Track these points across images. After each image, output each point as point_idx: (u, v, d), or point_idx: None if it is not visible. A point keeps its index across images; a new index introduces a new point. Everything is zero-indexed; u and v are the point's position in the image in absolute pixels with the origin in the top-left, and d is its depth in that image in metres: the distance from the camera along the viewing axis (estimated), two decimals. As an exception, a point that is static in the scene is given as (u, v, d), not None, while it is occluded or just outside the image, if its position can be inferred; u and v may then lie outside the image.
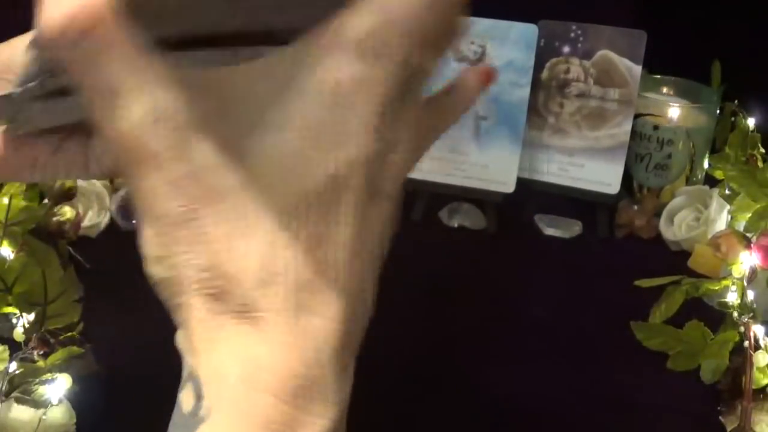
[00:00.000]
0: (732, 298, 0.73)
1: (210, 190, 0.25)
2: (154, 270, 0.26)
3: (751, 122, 1.00)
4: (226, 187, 0.25)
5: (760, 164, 0.95)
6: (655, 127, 0.94)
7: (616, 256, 0.92)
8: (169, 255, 0.26)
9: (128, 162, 0.25)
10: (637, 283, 0.80)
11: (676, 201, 0.92)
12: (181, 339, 0.27)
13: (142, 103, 0.24)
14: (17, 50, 0.30)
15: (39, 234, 0.79)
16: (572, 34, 0.95)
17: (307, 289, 0.26)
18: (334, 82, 0.25)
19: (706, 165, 0.97)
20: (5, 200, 0.74)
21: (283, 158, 0.25)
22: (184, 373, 0.27)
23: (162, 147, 0.24)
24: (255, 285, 0.25)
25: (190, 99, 0.25)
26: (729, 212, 0.87)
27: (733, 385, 0.70)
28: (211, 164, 0.25)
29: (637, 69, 0.92)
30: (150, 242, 0.26)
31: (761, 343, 0.69)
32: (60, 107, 0.28)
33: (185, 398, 0.26)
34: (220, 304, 0.25)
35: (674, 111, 0.95)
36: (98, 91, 0.24)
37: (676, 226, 0.91)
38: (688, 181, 0.96)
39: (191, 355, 0.26)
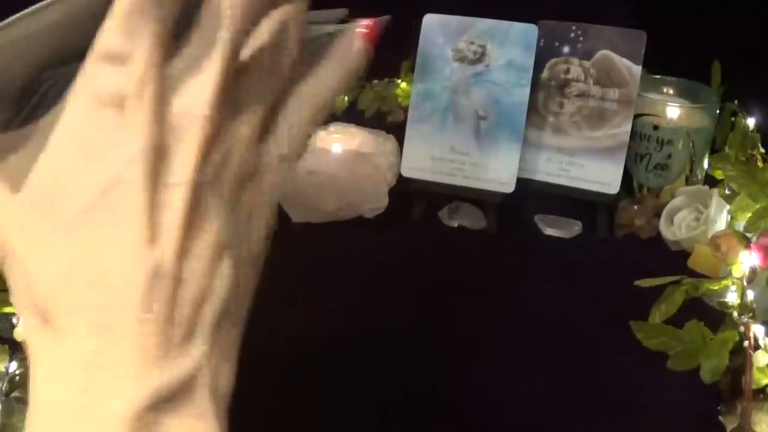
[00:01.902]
0: (732, 298, 0.73)
1: (19, 225, 0.29)
2: (18, 313, 0.33)
3: (751, 122, 1.00)
4: (28, 218, 0.29)
5: (760, 164, 0.95)
6: (655, 127, 0.94)
7: (616, 256, 0.92)
8: (11, 290, 0.30)
9: None
10: (637, 283, 0.80)
11: (676, 201, 0.92)
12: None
13: None
14: None
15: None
16: (572, 34, 0.95)
17: (96, 288, 0.28)
18: (91, 98, 0.28)
19: (706, 165, 0.97)
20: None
21: (59, 177, 0.28)
22: None
23: None
24: (51, 292, 0.28)
25: (8, 155, 0.30)
26: (729, 212, 0.87)
27: (733, 385, 0.70)
28: (16, 202, 0.29)
29: (637, 69, 0.92)
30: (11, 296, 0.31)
31: (761, 343, 0.69)
32: None
33: None
34: (35, 318, 0.29)
35: (674, 111, 0.95)
36: None
37: (676, 226, 0.91)
38: (688, 181, 0.96)
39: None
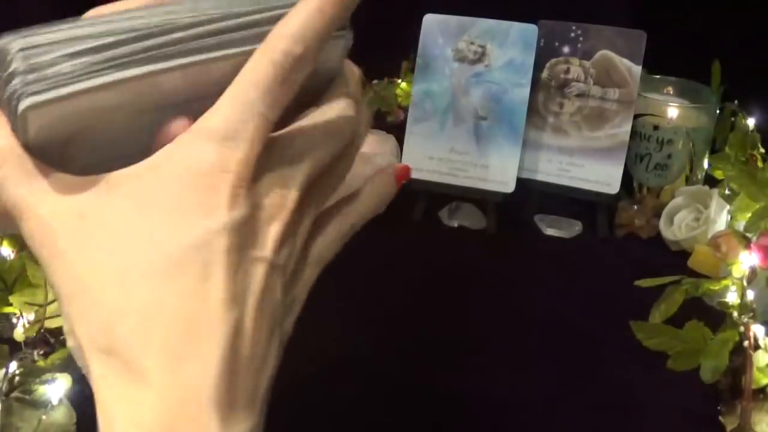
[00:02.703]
0: (732, 298, 0.73)
1: (96, 267, 0.30)
2: (69, 343, 0.32)
3: (751, 122, 1.00)
4: (109, 262, 0.30)
5: (760, 164, 0.95)
6: (655, 127, 0.94)
7: (616, 256, 0.92)
8: (71, 328, 0.31)
9: (39, 254, 0.32)
10: (637, 283, 0.80)
11: (676, 201, 0.92)
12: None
13: (34, 215, 0.31)
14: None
15: (39, 234, 0.78)
16: (572, 34, 0.95)
17: (181, 339, 0.29)
18: (195, 166, 0.31)
19: (706, 165, 0.97)
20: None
21: (153, 231, 0.30)
22: None
23: (57, 238, 0.31)
24: (133, 338, 0.29)
25: (83, 197, 0.31)
26: (729, 212, 0.87)
27: (733, 385, 0.70)
28: (95, 245, 0.30)
29: (637, 69, 0.92)
30: (64, 321, 0.31)
31: (761, 343, 0.69)
32: None
33: None
34: (108, 358, 0.30)
35: (674, 111, 0.95)
36: (12, 206, 0.32)
37: (676, 226, 0.91)
38: (688, 181, 0.96)
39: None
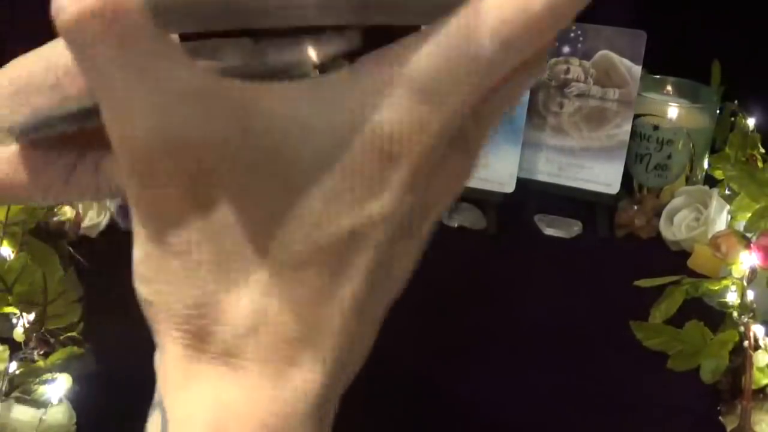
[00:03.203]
0: (732, 298, 0.73)
1: (214, 226, 0.23)
2: (140, 289, 0.25)
3: (751, 122, 1.00)
4: (232, 226, 0.23)
5: (760, 164, 0.95)
6: (655, 127, 0.94)
7: (616, 256, 0.92)
8: (157, 281, 0.24)
9: (135, 179, 0.23)
10: (637, 283, 0.80)
11: (676, 201, 0.92)
12: (158, 361, 0.26)
13: (158, 122, 0.22)
14: (35, 65, 0.29)
15: (39, 234, 0.79)
16: (572, 34, 0.95)
17: (295, 343, 0.24)
18: (381, 125, 0.23)
19: (706, 165, 0.97)
20: (5, 200, 0.74)
21: (304, 204, 0.23)
22: (155, 397, 0.26)
23: (170, 171, 0.23)
24: (241, 332, 0.24)
25: (214, 116, 0.22)
26: (729, 212, 0.87)
27: (733, 385, 0.70)
28: (220, 199, 0.23)
29: (637, 69, 0.92)
30: (142, 261, 0.25)
31: (761, 343, 0.69)
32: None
33: (152, 429, 0.25)
34: (201, 344, 0.24)
35: (674, 111, 0.95)
36: (114, 99, 0.22)
37: (676, 226, 0.91)
38: (688, 181, 0.96)
39: (163, 385, 0.25)
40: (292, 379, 0.24)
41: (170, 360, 0.25)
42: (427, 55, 0.22)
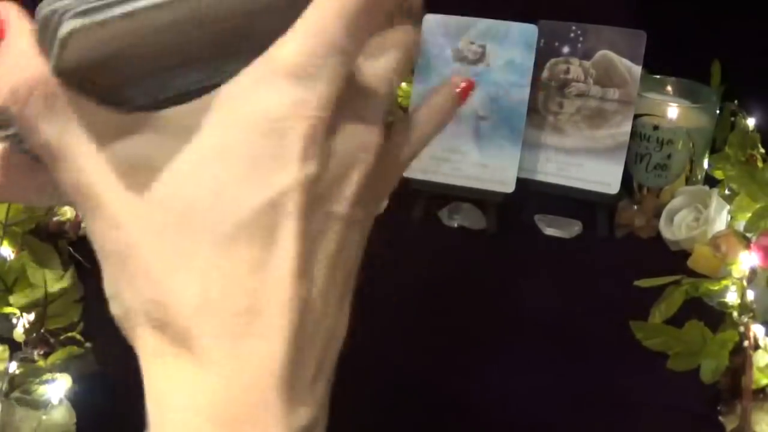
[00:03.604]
0: (732, 298, 0.73)
1: (148, 227, 0.26)
2: (112, 308, 0.28)
3: (751, 122, 1.00)
4: (164, 223, 0.26)
5: (760, 164, 0.95)
6: (655, 127, 0.94)
7: (616, 256, 0.92)
8: (118, 292, 0.27)
9: (80, 208, 0.27)
10: (637, 283, 0.80)
11: (676, 201, 0.92)
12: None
13: (81, 156, 0.26)
14: None
15: (39, 234, 0.79)
16: (572, 34, 0.95)
17: (245, 314, 0.26)
18: (265, 110, 0.26)
19: (706, 165, 0.97)
20: (5, 200, 0.74)
21: (219, 189, 0.26)
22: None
23: (101, 191, 0.26)
24: (192, 313, 0.26)
25: (130, 140, 0.26)
26: (729, 212, 0.87)
27: (733, 385, 0.70)
28: (147, 202, 0.26)
29: (637, 69, 0.92)
30: (106, 282, 0.27)
31: (761, 343, 0.69)
32: None
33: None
34: (162, 335, 0.26)
35: (674, 111, 0.95)
36: (46, 150, 0.27)
37: (676, 226, 0.91)
38: (688, 181, 0.96)
39: (144, 381, 0.27)
40: (248, 353, 0.26)
41: (144, 359, 0.27)
42: (288, 49, 0.26)
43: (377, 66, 0.29)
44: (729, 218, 0.87)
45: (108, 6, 0.25)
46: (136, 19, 0.25)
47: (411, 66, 0.31)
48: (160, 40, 0.26)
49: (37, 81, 0.26)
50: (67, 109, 0.26)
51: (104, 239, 0.27)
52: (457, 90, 0.33)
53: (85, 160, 0.26)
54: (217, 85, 0.27)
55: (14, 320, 0.74)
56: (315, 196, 0.27)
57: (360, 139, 0.28)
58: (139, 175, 0.26)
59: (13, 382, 0.68)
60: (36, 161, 0.29)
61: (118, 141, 0.26)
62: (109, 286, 0.27)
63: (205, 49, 0.27)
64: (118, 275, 0.27)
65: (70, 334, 0.74)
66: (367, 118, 0.28)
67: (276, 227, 0.26)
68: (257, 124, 0.26)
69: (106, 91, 0.27)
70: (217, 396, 0.26)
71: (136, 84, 0.27)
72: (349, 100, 0.28)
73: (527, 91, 0.92)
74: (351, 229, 0.28)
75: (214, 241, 0.26)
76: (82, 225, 0.88)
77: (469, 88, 0.33)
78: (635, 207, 0.95)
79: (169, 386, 0.26)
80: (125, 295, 0.27)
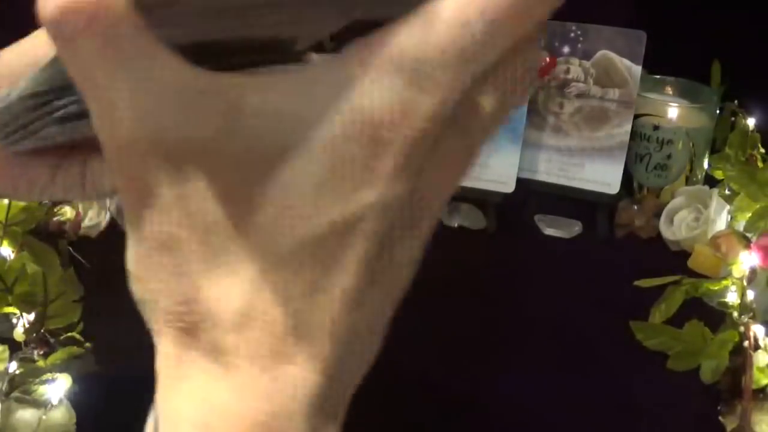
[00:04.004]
0: (732, 298, 0.73)
1: (200, 221, 0.23)
2: (134, 288, 0.24)
3: (751, 122, 1.00)
4: (219, 220, 0.23)
5: (760, 164, 0.95)
6: (655, 127, 0.94)
7: (616, 256, 0.92)
8: (148, 279, 0.24)
9: (121, 178, 0.23)
10: (637, 283, 0.80)
11: (676, 201, 0.92)
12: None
13: (142, 120, 0.22)
14: (22, 54, 0.29)
15: (39, 234, 0.79)
16: (572, 34, 0.95)
17: (286, 339, 0.23)
18: (370, 110, 0.22)
19: (706, 165, 0.97)
20: (5, 200, 0.74)
21: (292, 196, 0.22)
22: (155, 397, 0.25)
23: (155, 168, 0.23)
24: (231, 327, 0.23)
25: (199, 115, 0.22)
26: (729, 212, 0.87)
27: (733, 385, 0.70)
28: (205, 193, 0.23)
29: (637, 69, 0.92)
30: (133, 260, 0.24)
31: (761, 343, 0.69)
32: (65, 127, 0.27)
33: (148, 429, 0.25)
34: (191, 341, 0.24)
35: (674, 111, 0.95)
36: (98, 96, 0.22)
37: (676, 226, 0.91)
38: (688, 181, 0.96)
39: (158, 384, 0.25)
40: (283, 377, 0.23)
41: (163, 358, 0.24)
42: (414, 38, 0.22)
43: (493, 95, 0.24)
44: (729, 218, 0.87)
45: None
46: None
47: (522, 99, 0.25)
48: None
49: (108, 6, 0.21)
50: (141, 56, 0.22)
51: (143, 220, 0.23)
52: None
53: (142, 128, 0.22)
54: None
55: (14, 320, 0.74)
56: (391, 223, 0.23)
57: (452, 168, 0.24)
58: (199, 160, 0.22)
59: (13, 382, 0.68)
60: (28, 156, 0.28)
61: (185, 110, 0.22)
62: (136, 266, 0.24)
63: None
64: (152, 262, 0.23)
65: (70, 334, 0.74)
66: (469, 146, 0.24)
67: (344, 250, 0.23)
68: (353, 126, 0.22)
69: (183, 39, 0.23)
70: (238, 418, 0.23)
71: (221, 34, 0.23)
72: (455, 120, 0.23)
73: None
74: (409, 272, 0.26)
75: (273, 254, 0.23)
76: (83, 225, 0.88)
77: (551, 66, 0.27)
78: (635, 207, 0.95)
79: (188, 398, 0.24)
80: (155, 285, 0.24)
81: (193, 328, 0.23)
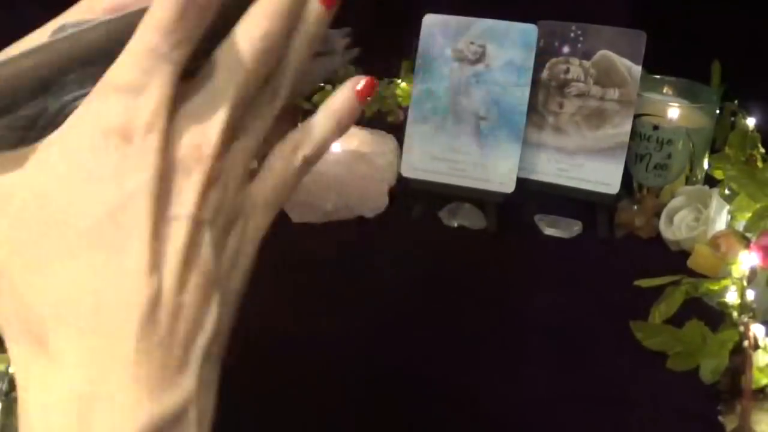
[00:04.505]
0: (732, 298, 0.73)
1: (11, 244, 0.29)
2: None
3: (751, 122, 1.00)
4: (22, 239, 0.29)
5: (759, 164, 0.95)
6: (655, 127, 0.94)
7: (616, 256, 0.92)
8: None
9: None
10: (637, 283, 0.80)
11: (676, 201, 0.92)
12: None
13: None
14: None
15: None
16: (572, 34, 0.95)
17: (94, 314, 0.28)
18: (104, 120, 0.29)
19: (706, 165, 0.97)
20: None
21: (67, 200, 0.28)
22: None
23: None
24: (48, 315, 0.28)
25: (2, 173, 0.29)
26: (729, 212, 0.87)
27: (733, 385, 0.70)
28: (9, 222, 0.29)
29: (637, 69, 0.92)
30: None
31: (761, 343, 0.69)
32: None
33: None
34: (27, 339, 0.29)
35: (674, 111, 0.95)
36: None
37: (676, 226, 0.91)
38: (688, 181, 0.96)
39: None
40: (98, 347, 0.28)
41: (15, 365, 0.29)
42: (120, 64, 0.29)
43: (214, 69, 0.31)
44: (729, 218, 0.87)
45: None
46: (6, 67, 0.29)
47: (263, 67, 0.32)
48: (23, 82, 0.29)
49: None
50: None
51: None
52: (358, 89, 0.35)
53: None
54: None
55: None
56: (157, 200, 0.29)
57: (194, 142, 0.30)
58: (4, 206, 0.29)
59: (13, 382, 0.68)
60: None
61: None
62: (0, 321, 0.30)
63: (66, 75, 0.30)
64: (1, 306, 0.29)
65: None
66: (205, 120, 0.30)
67: (123, 231, 0.28)
68: (96, 138, 0.28)
69: None
70: (72, 392, 0.28)
71: (14, 111, 0.30)
72: (187, 103, 0.30)
73: (527, 91, 0.93)
74: (200, 229, 0.30)
75: (65, 251, 0.28)
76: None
77: (369, 87, 0.35)
78: (635, 207, 0.95)
79: (31, 386, 0.29)
80: (4, 320, 0.29)
81: (26, 329, 0.29)
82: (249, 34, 0.31)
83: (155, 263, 0.29)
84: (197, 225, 0.30)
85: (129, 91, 0.29)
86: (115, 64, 0.29)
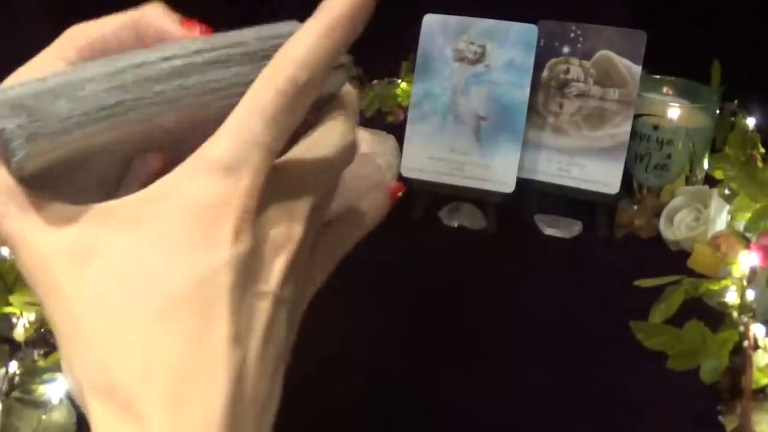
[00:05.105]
0: (732, 297, 0.73)
1: (92, 304, 0.29)
2: (68, 384, 0.30)
3: (750, 122, 1.00)
4: (106, 301, 0.29)
5: (759, 164, 0.95)
6: (655, 127, 0.94)
7: (616, 256, 0.92)
8: (70, 366, 0.30)
9: (38, 291, 0.30)
10: (637, 283, 0.80)
11: (676, 201, 0.92)
12: None
13: (30, 249, 0.30)
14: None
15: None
16: (572, 34, 0.95)
17: (183, 382, 0.28)
18: (198, 199, 0.30)
19: (706, 165, 0.97)
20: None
21: (153, 270, 0.29)
22: None
23: (54, 272, 0.29)
24: (134, 381, 0.28)
25: (79, 228, 0.30)
26: (729, 212, 0.87)
27: (733, 384, 0.70)
28: (92, 283, 0.29)
29: (637, 69, 0.92)
30: (61, 358, 0.30)
31: (761, 343, 0.69)
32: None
33: None
34: (109, 403, 0.28)
35: (674, 111, 0.95)
36: (9, 240, 0.31)
37: (676, 226, 0.91)
38: (688, 181, 0.96)
39: None
40: (187, 416, 0.28)
41: (93, 427, 0.29)
42: (217, 144, 0.30)
43: (306, 163, 0.33)
44: (729, 218, 0.87)
45: (58, 132, 0.29)
46: (83, 140, 0.30)
47: (341, 162, 0.35)
48: (107, 147, 0.31)
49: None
50: (24, 205, 0.30)
51: (58, 319, 0.30)
52: (393, 195, 0.40)
53: (41, 245, 0.30)
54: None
55: (14, 320, 0.74)
56: (245, 275, 0.30)
57: (284, 230, 0.32)
58: (86, 260, 0.29)
59: (13, 382, 0.68)
60: None
61: (68, 229, 0.30)
62: (64, 362, 0.30)
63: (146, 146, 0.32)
64: (70, 350, 0.30)
65: (70, 334, 0.74)
66: (293, 211, 0.32)
67: (211, 302, 0.29)
68: (189, 212, 0.29)
69: (63, 185, 0.31)
70: None
71: (78, 179, 0.32)
72: (276, 191, 0.32)
73: (527, 91, 0.93)
74: (279, 307, 0.31)
75: (151, 316, 0.28)
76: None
77: (399, 190, 0.40)
78: (635, 207, 0.95)
79: None
80: (76, 367, 0.29)
81: (107, 391, 0.29)
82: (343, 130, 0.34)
83: (241, 336, 0.29)
84: (278, 303, 0.31)
85: (228, 171, 0.30)
86: (214, 140, 0.30)
